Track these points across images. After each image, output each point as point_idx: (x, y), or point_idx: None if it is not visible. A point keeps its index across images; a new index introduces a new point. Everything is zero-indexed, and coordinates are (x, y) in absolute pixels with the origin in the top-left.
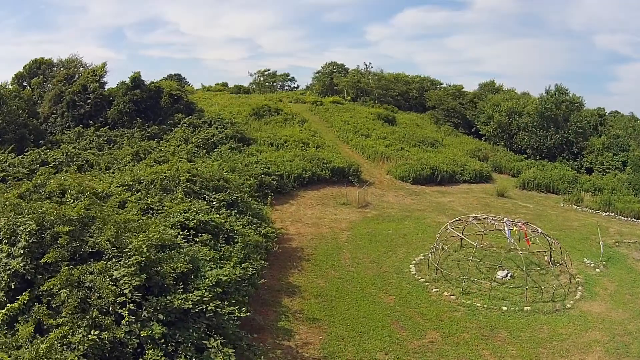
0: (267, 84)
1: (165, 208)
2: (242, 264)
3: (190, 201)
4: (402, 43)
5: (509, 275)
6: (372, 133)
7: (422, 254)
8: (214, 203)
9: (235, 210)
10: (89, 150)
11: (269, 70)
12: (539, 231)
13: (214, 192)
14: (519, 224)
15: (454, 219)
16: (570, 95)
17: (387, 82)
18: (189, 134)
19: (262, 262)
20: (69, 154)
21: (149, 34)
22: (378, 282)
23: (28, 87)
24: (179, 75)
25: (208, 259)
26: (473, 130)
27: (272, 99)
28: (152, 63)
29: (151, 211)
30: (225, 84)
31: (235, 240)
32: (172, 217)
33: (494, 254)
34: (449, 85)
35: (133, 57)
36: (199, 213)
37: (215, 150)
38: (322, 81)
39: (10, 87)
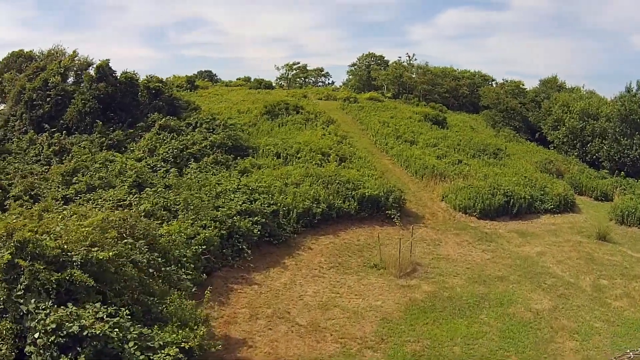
0: (298, 79)
1: None
2: None
3: None
4: (443, 43)
5: None
6: (419, 138)
7: None
8: None
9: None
10: (33, 165)
11: (298, 63)
12: None
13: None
14: None
15: None
16: None
17: (434, 76)
18: (156, 142)
19: None
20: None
21: (189, 33)
22: None
23: None
24: (210, 72)
25: None
26: (537, 135)
27: (294, 94)
28: (193, 62)
29: None
30: (247, 79)
31: None
32: None
33: None
34: (506, 81)
35: (174, 56)
36: None
37: (190, 165)
38: (359, 75)
39: None
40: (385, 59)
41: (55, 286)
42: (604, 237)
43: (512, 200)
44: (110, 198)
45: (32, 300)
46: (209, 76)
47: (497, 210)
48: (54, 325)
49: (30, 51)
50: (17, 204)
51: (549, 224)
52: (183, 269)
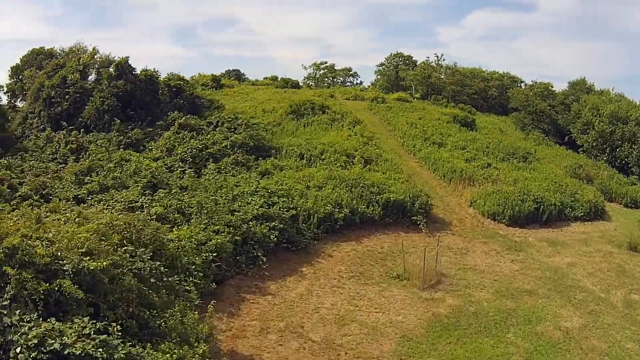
0: (325, 79)
1: None
2: None
3: None
4: (471, 44)
5: None
6: (447, 141)
7: None
8: None
9: None
10: (48, 164)
11: (325, 63)
12: None
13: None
14: None
15: None
16: None
17: (463, 77)
18: (174, 141)
19: None
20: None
21: (220, 32)
22: None
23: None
24: (238, 71)
25: None
26: (566, 139)
27: (321, 94)
28: (222, 61)
29: None
30: (274, 78)
31: None
32: None
33: None
34: (535, 83)
35: (204, 55)
36: None
37: (208, 165)
38: (387, 75)
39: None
40: (414, 59)
41: (43, 297)
42: (635, 247)
43: (542, 206)
44: (122, 199)
45: (17, 312)
46: (237, 75)
47: (527, 217)
48: (35, 341)
49: (51, 48)
50: (26, 203)
51: (579, 233)
52: (191, 278)
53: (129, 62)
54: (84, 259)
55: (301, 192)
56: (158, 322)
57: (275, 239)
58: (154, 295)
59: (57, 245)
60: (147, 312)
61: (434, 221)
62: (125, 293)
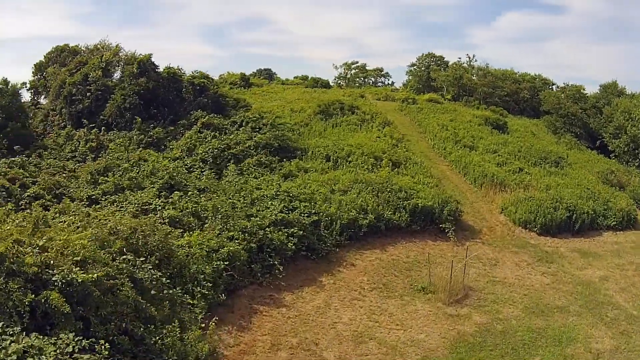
0: (357, 79)
1: None
2: None
3: None
4: (502, 46)
5: None
6: (479, 144)
7: None
8: None
9: None
10: (66, 162)
11: (356, 62)
12: None
13: None
14: None
15: None
16: None
17: (494, 78)
18: (196, 140)
19: None
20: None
21: (251, 32)
22: None
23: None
24: (269, 70)
25: None
26: (598, 143)
27: (351, 94)
28: (254, 61)
29: None
30: (304, 77)
31: None
32: None
33: None
34: (567, 85)
35: (236, 54)
36: None
37: (228, 166)
38: (418, 76)
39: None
40: (445, 59)
41: (29, 309)
42: None
43: (574, 215)
44: (136, 201)
45: (0, 324)
46: (268, 74)
47: (559, 225)
48: (14, 357)
49: (76, 46)
50: (37, 203)
51: (612, 243)
52: (199, 288)
53: (152, 59)
54: (74, 269)
55: (325, 197)
56: (155, 338)
57: (294, 246)
58: (153, 309)
59: (49, 253)
60: (143, 328)
61: (463, 229)
62: (120, 306)
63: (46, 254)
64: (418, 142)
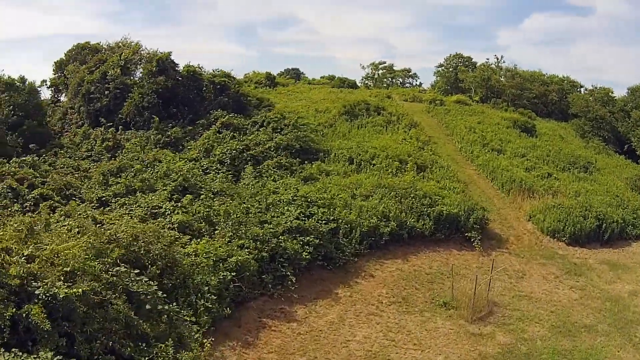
0: (384, 79)
1: None
2: None
3: None
4: (529, 48)
5: None
6: (507, 147)
7: None
8: None
9: None
10: (81, 161)
11: (384, 63)
12: None
13: None
14: None
15: None
16: None
17: (523, 80)
18: (214, 141)
19: None
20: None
21: (280, 31)
22: None
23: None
24: (297, 70)
25: None
26: (626, 148)
27: (377, 94)
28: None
29: None
30: (331, 77)
31: None
32: None
33: None
34: (595, 88)
35: (264, 54)
36: None
37: (246, 168)
38: (446, 77)
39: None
40: (473, 60)
41: (9, 323)
42: None
43: (604, 224)
44: (146, 204)
45: None
46: (295, 74)
47: (588, 235)
48: None
49: (97, 43)
50: (45, 204)
51: None
52: (202, 300)
53: (172, 57)
54: (58, 283)
55: (345, 202)
56: (144, 358)
57: (309, 255)
58: (147, 325)
59: (35, 263)
60: (133, 346)
61: (489, 237)
62: (109, 322)
63: (32, 264)
64: (445, 144)
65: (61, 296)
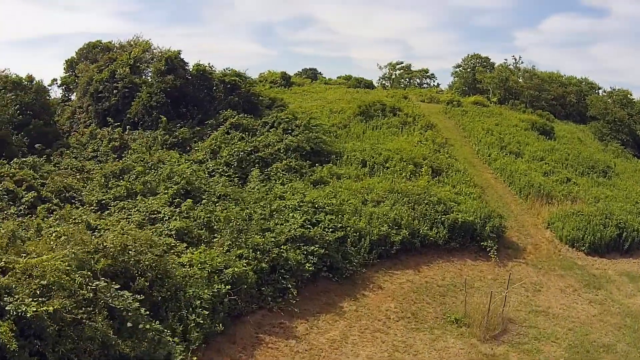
0: (402, 80)
1: None
2: None
3: None
4: (548, 50)
5: None
6: (525, 150)
7: None
8: None
9: None
10: (85, 162)
11: (401, 63)
12: None
13: None
14: None
15: None
16: None
17: (541, 81)
18: (222, 142)
19: None
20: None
21: (300, 31)
22: None
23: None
24: (314, 70)
25: None
26: None
27: (394, 95)
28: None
29: None
30: (348, 77)
31: None
32: None
33: None
34: (614, 90)
35: (284, 53)
36: None
37: (252, 170)
38: (463, 78)
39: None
40: (491, 61)
41: None
42: None
43: (624, 232)
44: (145, 208)
45: None
46: (313, 74)
47: (608, 244)
48: None
49: (109, 42)
50: (42, 207)
51: None
52: (193, 315)
53: (182, 56)
54: (28, 300)
55: (354, 208)
56: None
57: (313, 267)
58: (126, 344)
59: (7, 277)
60: None
61: (506, 246)
62: (84, 342)
63: (4, 277)
64: (462, 147)
65: (29, 315)
